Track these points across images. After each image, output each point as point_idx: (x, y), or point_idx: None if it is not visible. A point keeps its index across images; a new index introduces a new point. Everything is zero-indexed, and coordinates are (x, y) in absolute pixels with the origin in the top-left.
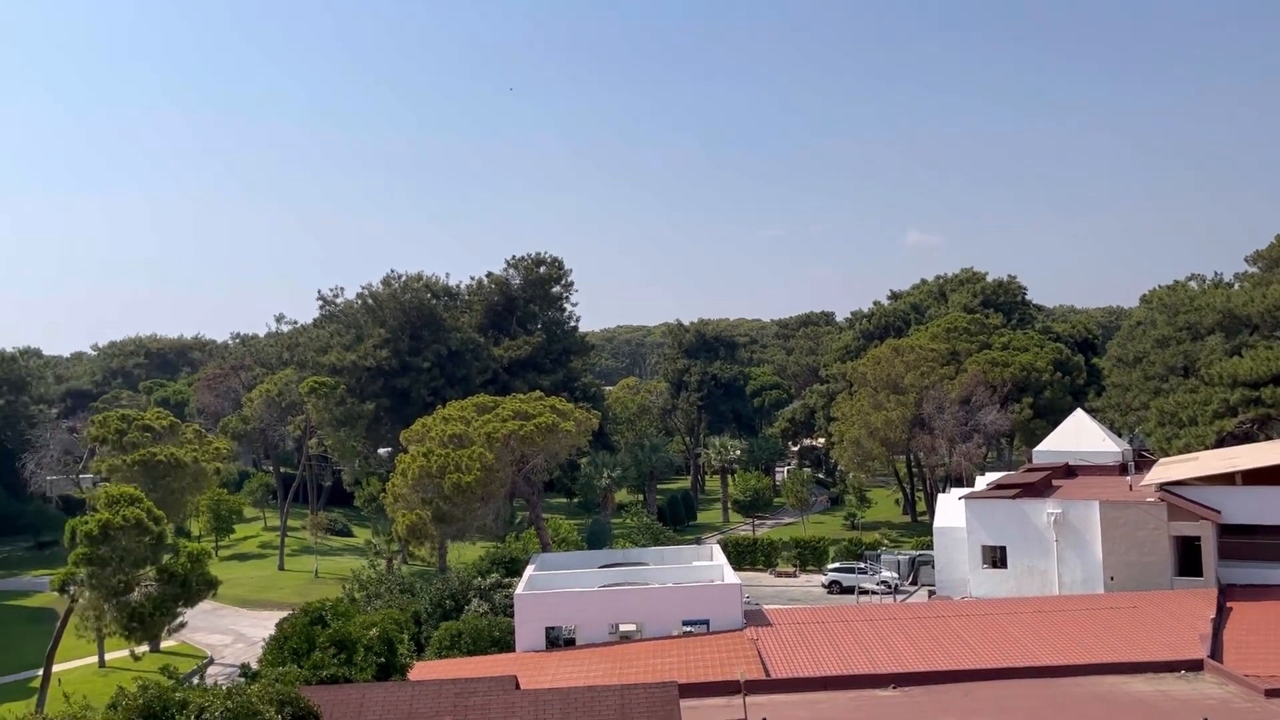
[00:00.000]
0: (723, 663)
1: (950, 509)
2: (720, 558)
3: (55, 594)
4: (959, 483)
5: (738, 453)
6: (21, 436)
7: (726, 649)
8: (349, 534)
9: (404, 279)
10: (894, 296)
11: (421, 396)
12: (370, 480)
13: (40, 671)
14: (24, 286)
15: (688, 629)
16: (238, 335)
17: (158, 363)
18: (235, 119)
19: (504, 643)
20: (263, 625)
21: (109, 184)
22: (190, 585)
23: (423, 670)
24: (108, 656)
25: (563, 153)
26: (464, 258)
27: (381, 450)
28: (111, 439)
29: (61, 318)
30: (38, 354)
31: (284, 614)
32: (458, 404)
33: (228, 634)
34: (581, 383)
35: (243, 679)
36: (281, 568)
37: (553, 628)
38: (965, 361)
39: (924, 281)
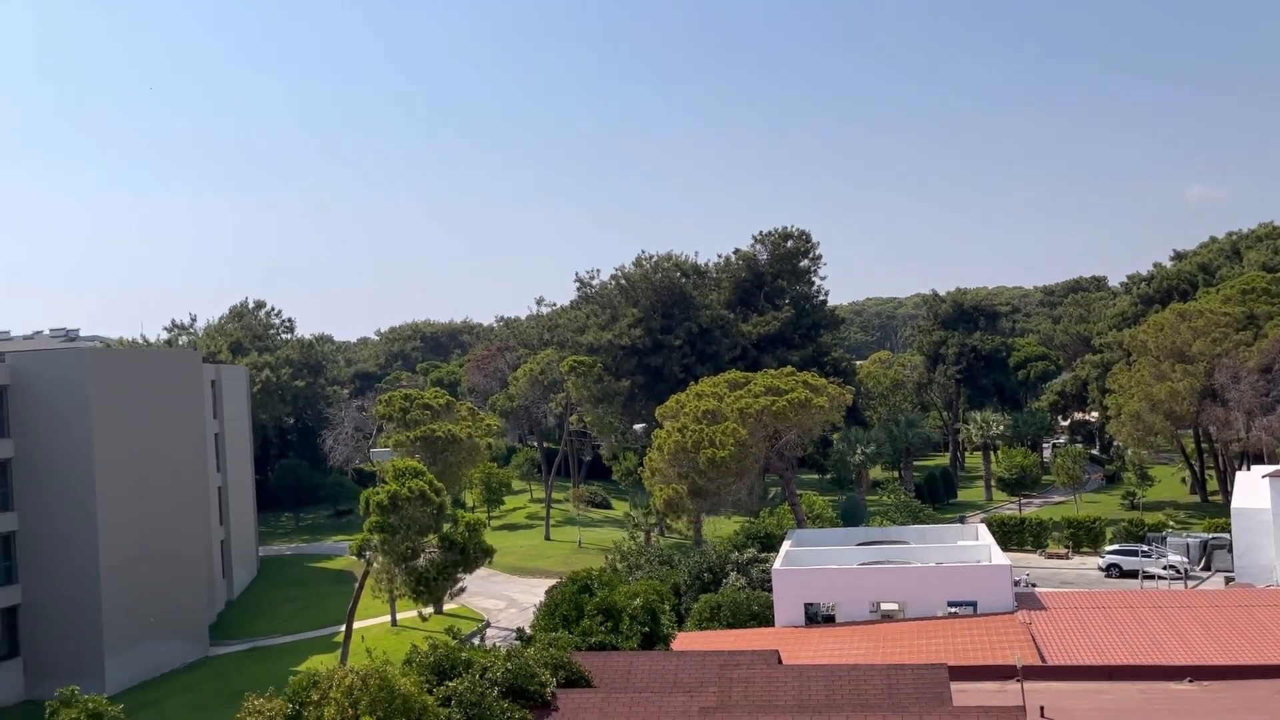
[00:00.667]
0: (992, 646)
1: (1252, 488)
2: (987, 537)
3: (353, 558)
4: (1259, 460)
5: (1000, 428)
6: (320, 415)
7: (996, 632)
8: (608, 506)
9: (654, 259)
10: (1178, 257)
11: (674, 373)
12: (627, 455)
13: (342, 628)
14: (327, 281)
15: (953, 610)
16: (502, 318)
17: (431, 345)
18: (510, 119)
19: (762, 617)
20: (532, 592)
21: (390, 195)
22: (468, 553)
23: (684, 641)
24: (399, 616)
25: (809, 126)
26: (712, 236)
27: (637, 426)
28: (396, 416)
29: (349, 307)
30: (330, 340)
31: (552, 582)
32: (710, 380)
33: (501, 599)
34: (832, 357)
35: (518, 642)
36: (547, 538)
37: (811, 604)
38: (1265, 326)
39: (1213, 240)
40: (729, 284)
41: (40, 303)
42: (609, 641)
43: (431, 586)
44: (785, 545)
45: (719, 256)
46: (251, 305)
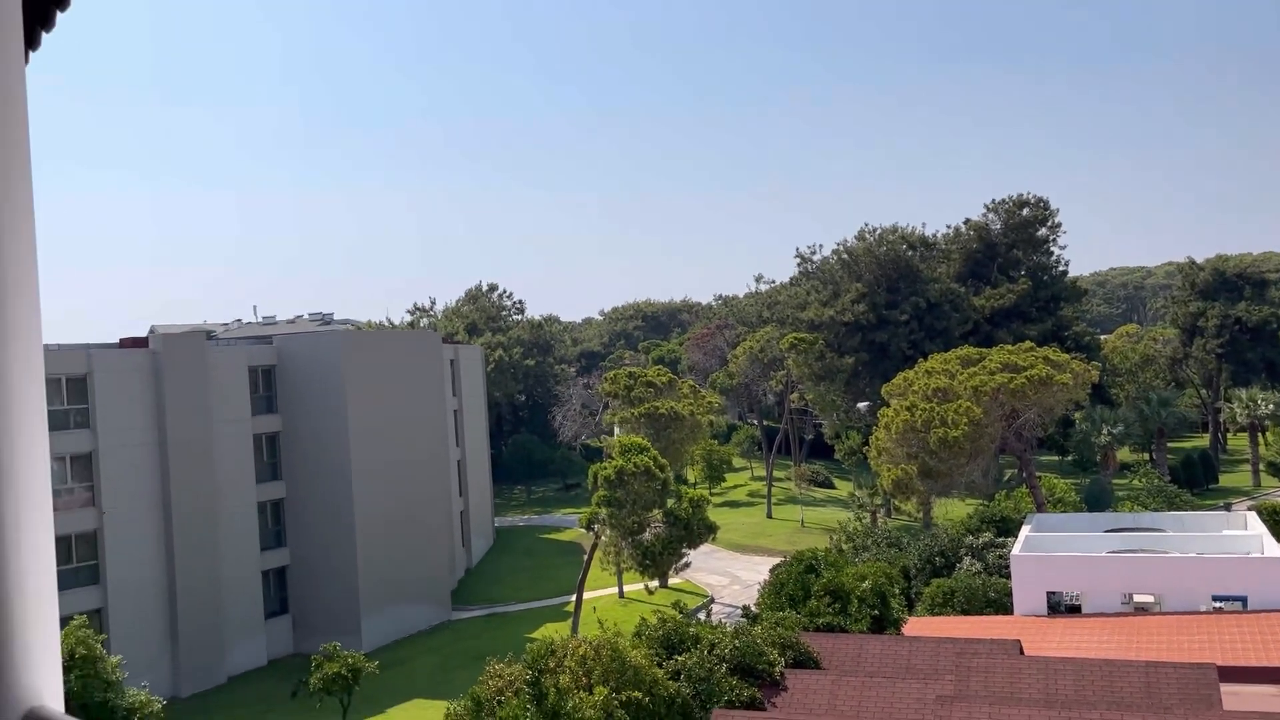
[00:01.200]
0: (1267, 646)
1: None
2: (1258, 526)
3: (582, 530)
4: None
5: (1270, 407)
6: (549, 392)
7: (1273, 630)
8: (830, 486)
9: (878, 232)
10: None
11: (900, 350)
12: (850, 434)
13: (572, 597)
14: (553, 263)
15: (1218, 605)
16: (720, 296)
17: (652, 324)
18: (724, 100)
19: (999, 604)
20: (755, 569)
21: (609, 181)
22: (692, 528)
23: (916, 626)
24: (626, 588)
25: (1044, 85)
26: (939, 206)
27: (860, 404)
28: (621, 394)
29: (571, 287)
30: (557, 320)
31: (774, 560)
32: (940, 356)
33: (724, 575)
34: (1073, 331)
35: (744, 619)
36: (769, 516)
37: (1054, 592)
38: None
39: None
40: (959, 256)
41: (300, 289)
42: (837, 623)
43: (657, 560)
44: (1024, 530)
45: (948, 227)
46: (485, 288)
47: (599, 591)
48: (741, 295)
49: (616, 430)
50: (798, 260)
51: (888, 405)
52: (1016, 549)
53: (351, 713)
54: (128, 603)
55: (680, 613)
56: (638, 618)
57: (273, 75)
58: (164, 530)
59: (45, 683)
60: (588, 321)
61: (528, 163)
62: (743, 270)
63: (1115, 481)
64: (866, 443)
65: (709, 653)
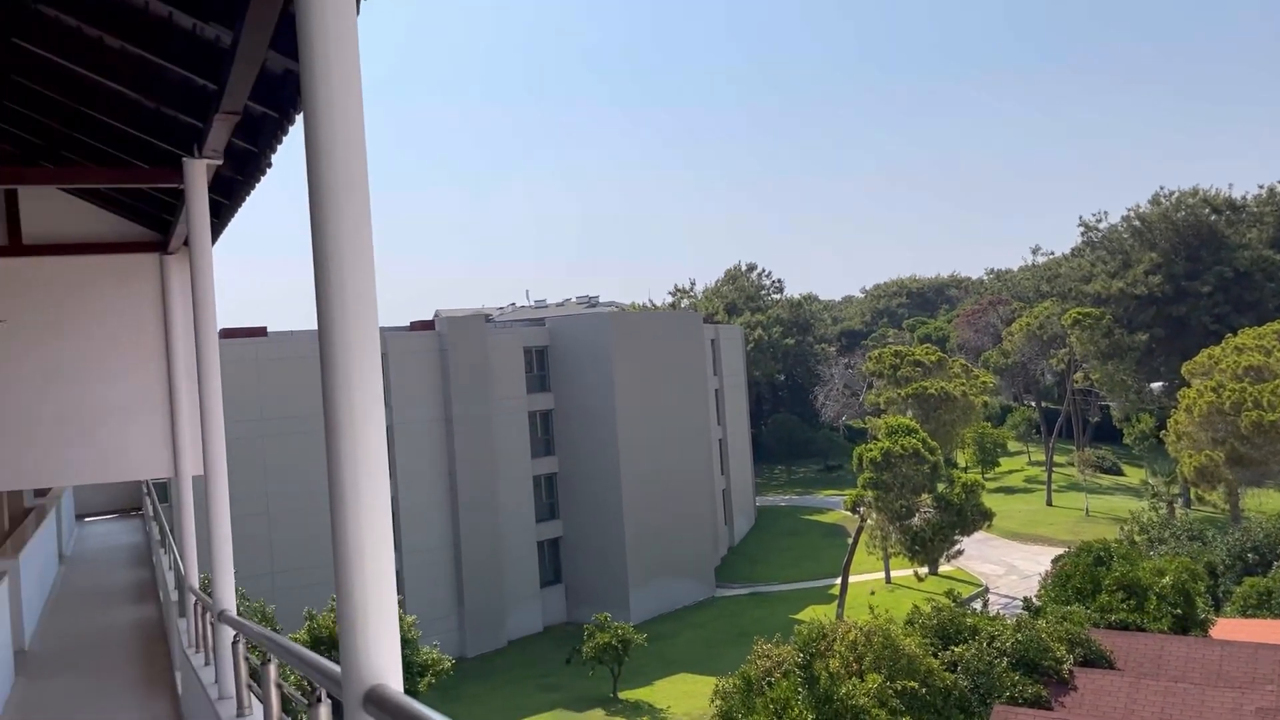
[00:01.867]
0: None
1: None
2: None
3: (845, 512)
4: None
5: None
6: (810, 372)
7: None
8: (1118, 472)
9: (1175, 196)
10: None
11: (1202, 325)
12: (1141, 417)
13: (836, 580)
14: (813, 241)
15: None
16: (991, 270)
17: (918, 301)
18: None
19: None
20: (1034, 559)
21: (871, 151)
22: (965, 514)
23: (1225, 629)
24: (893, 574)
25: None
26: (1245, 167)
27: (1154, 384)
28: (886, 373)
29: (832, 266)
30: (815, 299)
31: (1055, 551)
32: (1252, 331)
33: (999, 564)
34: None
35: (1025, 612)
36: (1049, 503)
37: None
38: None
39: None
40: (1273, 219)
41: (565, 274)
42: (1132, 621)
43: (926, 546)
44: None
45: (1260, 188)
46: (744, 268)
47: (864, 576)
48: (1016, 268)
49: (882, 411)
50: (1081, 229)
51: (1188, 385)
52: None
53: (621, 682)
54: (420, 568)
55: (954, 602)
56: (905, 604)
57: (550, 65)
58: (450, 501)
59: (387, 664)
60: (848, 299)
61: (788, 140)
62: (1017, 242)
63: None
64: (1162, 426)
65: (988, 645)
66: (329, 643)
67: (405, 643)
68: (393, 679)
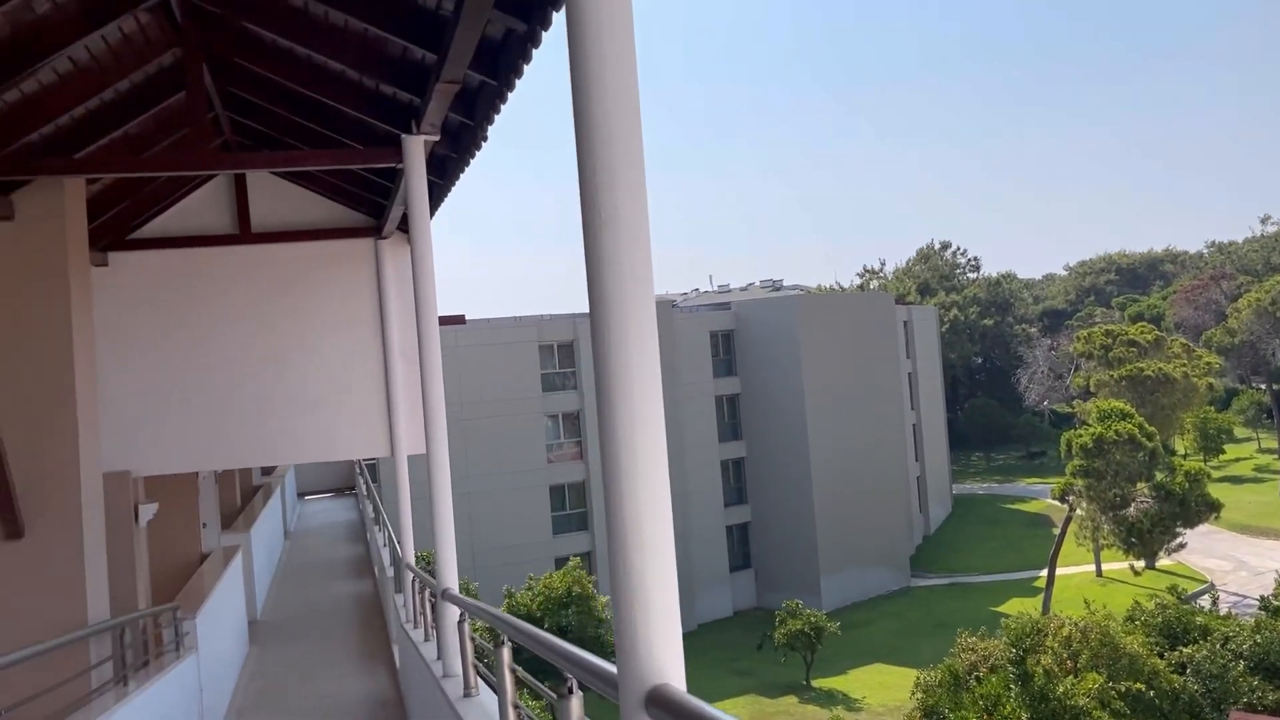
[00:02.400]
0: None
1: None
2: None
3: (1049, 502)
4: None
5: None
6: (1009, 353)
7: None
8: None
9: None
10: None
11: None
12: None
13: (1040, 572)
14: (1007, 217)
15: None
16: (1212, 243)
17: (1128, 278)
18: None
19: None
20: (1266, 555)
21: (1075, 119)
22: (1188, 505)
23: None
24: (1104, 567)
25: None
26: None
27: None
28: (1097, 354)
29: (1031, 243)
30: (1014, 277)
31: None
32: None
33: (1227, 560)
34: None
35: (1263, 612)
36: None
37: None
38: None
39: None
40: None
41: (748, 257)
42: None
43: (1144, 539)
44: None
45: None
46: (937, 246)
47: (1072, 568)
48: (1241, 240)
49: (1092, 395)
50: None
51: None
52: None
53: (813, 670)
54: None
55: (1179, 599)
56: (1117, 600)
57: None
58: None
59: (670, 663)
60: (1049, 278)
61: (975, 116)
62: (1242, 212)
63: None
64: None
65: (1221, 647)
66: (531, 620)
67: (600, 623)
68: (675, 678)
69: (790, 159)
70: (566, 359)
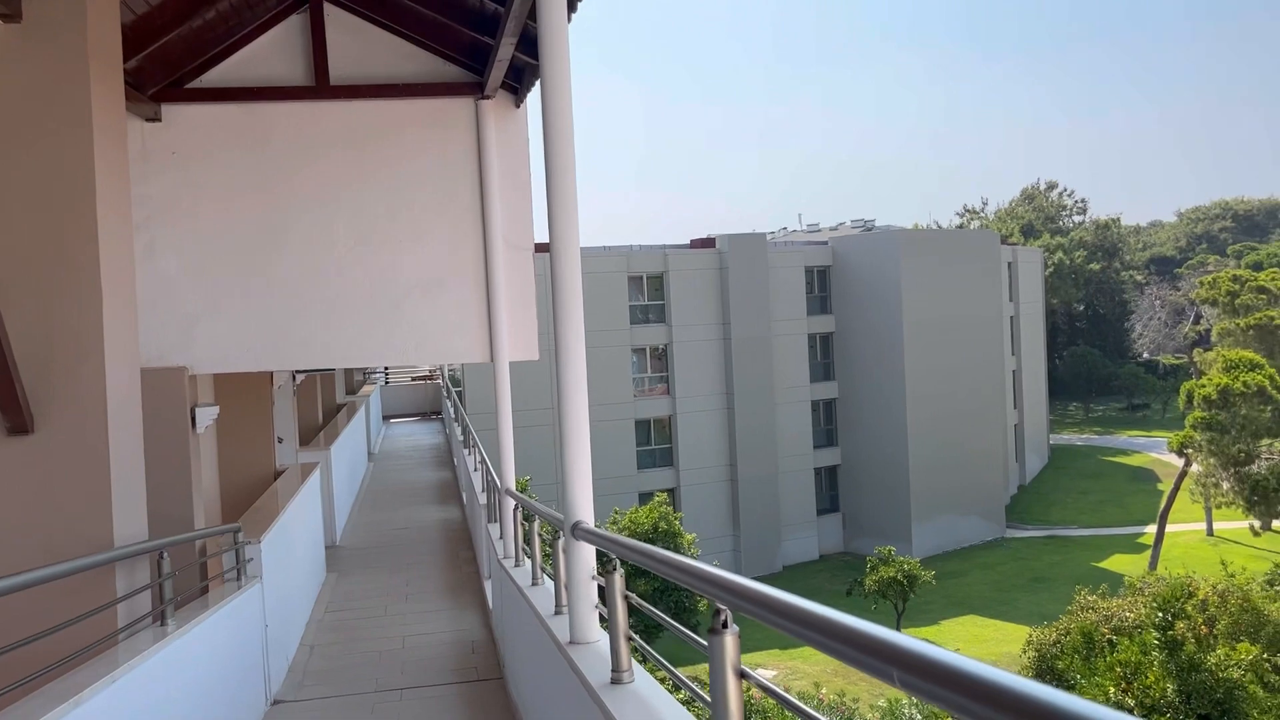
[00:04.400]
0: None
1: None
2: None
3: (1153, 455)
4: None
5: None
6: (1114, 300)
7: None
8: None
9: None
10: None
11: None
12: None
13: (1145, 528)
14: (1117, 161)
15: None
16: None
17: (1244, 225)
18: None
19: None
20: None
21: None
22: None
23: None
24: (1216, 526)
25: None
26: None
27: None
28: (1222, 301)
29: (1146, 186)
30: (1118, 223)
31: None
32: None
33: None
34: None
35: None
36: None
37: None
38: None
39: None
40: None
41: (841, 196)
42: None
43: (1268, 498)
44: None
45: None
46: (1043, 186)
47: (1180, 526)
48: None
49: (1212, 344)
50: None
51: None
52: None
53: (904, 619)
54: (696, 485)
55: None
56: (1231, 561)
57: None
58: (727, 421)
59: (584, 506)
60: (1156, 224)
61: (1098, 48)
62: None
63: None
64: None
65: None
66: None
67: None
68: (587, 516)
69: (873, 99)
70: (655, 292)
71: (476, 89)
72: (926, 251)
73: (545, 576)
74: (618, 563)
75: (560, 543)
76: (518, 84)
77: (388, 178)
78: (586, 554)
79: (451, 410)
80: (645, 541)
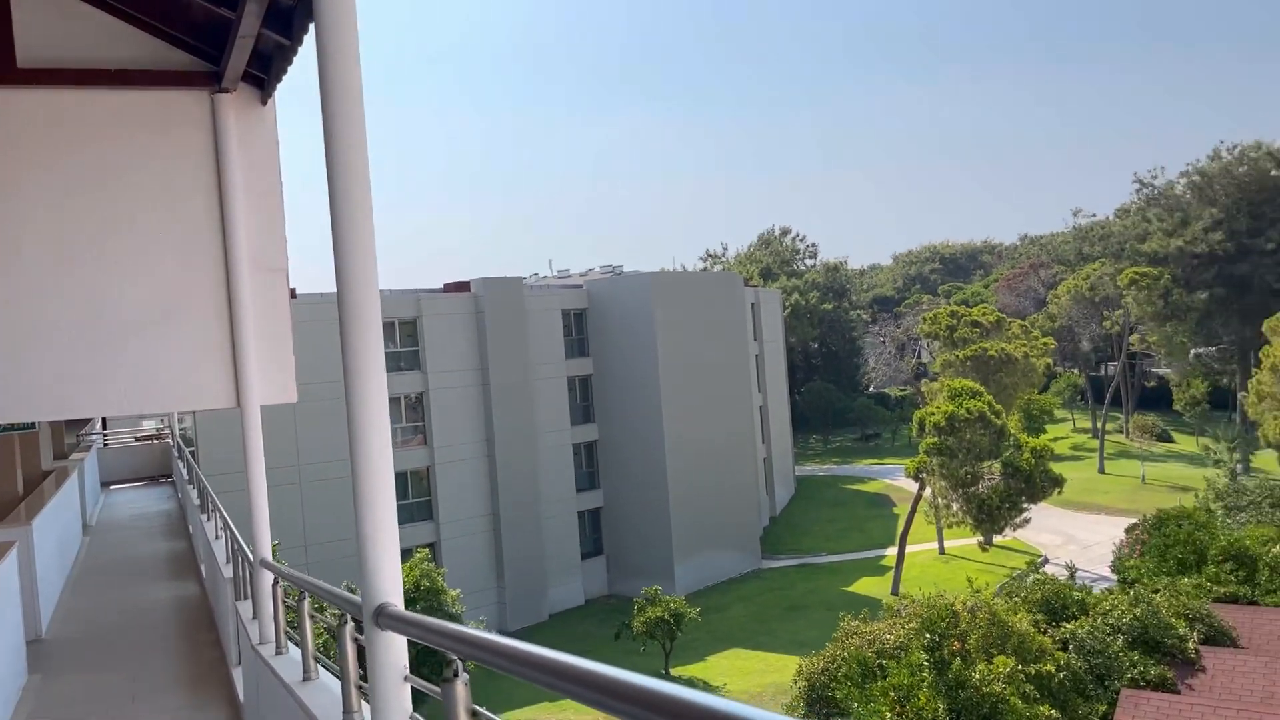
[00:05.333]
0: None
1: None
2: None
3: (887, 481)
4: None
5: None
6: (844, 338)
7: None
8: (1169, 439)
9: (1238, 149)
10: None
11: (1265, 283)
12: (1193, 382)
13: (885, 551)
14: (833, 208)
15: None
16: (1025, 236)
17: (950, 268)
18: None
19: None
20: (1091, 529)
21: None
22: (1034, 481)
23: None
24: (946, 544)
25: None
26: None
27: (1203, 349)
28: (942, 334)
29: (853, 232)
30: (845, 265)
31: (1111, 519)
32: None
33: (1057, 534)
34: None
35: (1120, 584)
36: (1101, 471)
37: None
38: None
39: None
40: None
41: (587, 245)
42: (1242, 594)
43: (994, 515)
44: None
45: None
46: (778, 232)
47: (915, 546)
48: (1051, 233)
49: (936, 375)
50: (1136, 186)
51: (1269, 343)
52: None
53: (672, 658)
54: (458, 537)
55: (1015, 573)
56: (962, 577)
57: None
58: (488, 469)
59: (391, 586)
60: (875, 267)
61: (806, 101)
62: (1052, 207)
63: None
64: (1214, 390)
65: (1102, 620)
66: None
67: (450, 618)
68: (395, 597)
69: (632, 154)
70: (409, 338)
71: (212, 79)
72: (676, 293)
73: (320, 669)
74: (460, 665)
75: (348, 629)
76: (264, 74)
77: (99, 185)
78: (397, 648)
79: (185, 471)
80: (407, 600)
